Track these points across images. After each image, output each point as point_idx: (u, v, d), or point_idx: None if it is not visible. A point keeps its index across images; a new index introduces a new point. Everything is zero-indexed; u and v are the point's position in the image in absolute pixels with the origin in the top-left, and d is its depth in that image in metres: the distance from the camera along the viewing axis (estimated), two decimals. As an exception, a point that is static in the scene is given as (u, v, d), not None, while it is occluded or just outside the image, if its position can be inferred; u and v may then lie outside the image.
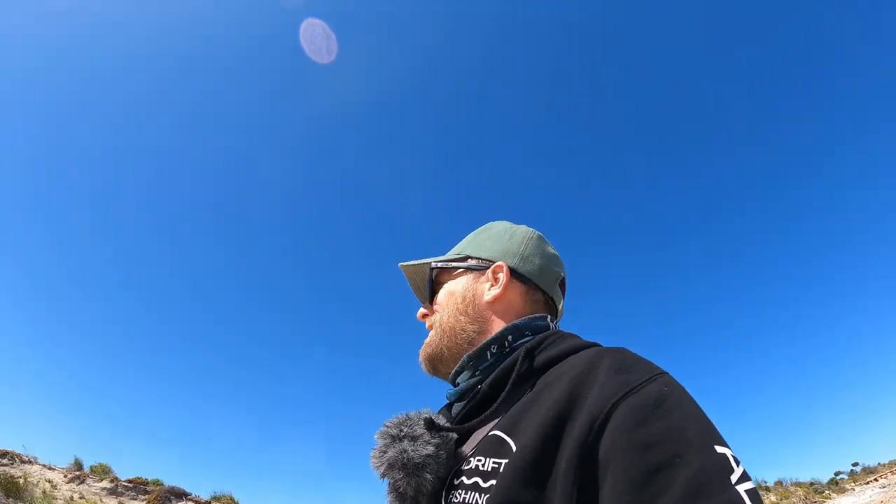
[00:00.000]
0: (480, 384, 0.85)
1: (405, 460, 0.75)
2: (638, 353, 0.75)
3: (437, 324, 0.97)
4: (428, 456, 0.75)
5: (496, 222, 1.06)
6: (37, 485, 17.32)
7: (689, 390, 0.67)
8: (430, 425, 0.78)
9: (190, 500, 20.32)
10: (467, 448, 0.79)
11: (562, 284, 1.01)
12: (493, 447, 0.73)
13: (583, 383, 0.69)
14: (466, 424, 0.80)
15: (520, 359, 0.81)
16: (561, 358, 0.80)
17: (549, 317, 0.94)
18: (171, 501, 20.06)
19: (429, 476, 0.75)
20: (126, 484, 20.54)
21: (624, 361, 0.71)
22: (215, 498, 20.83)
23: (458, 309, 0.95)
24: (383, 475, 0.77)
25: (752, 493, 0.56)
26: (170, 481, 21.20)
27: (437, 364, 0.97)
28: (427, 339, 0.99)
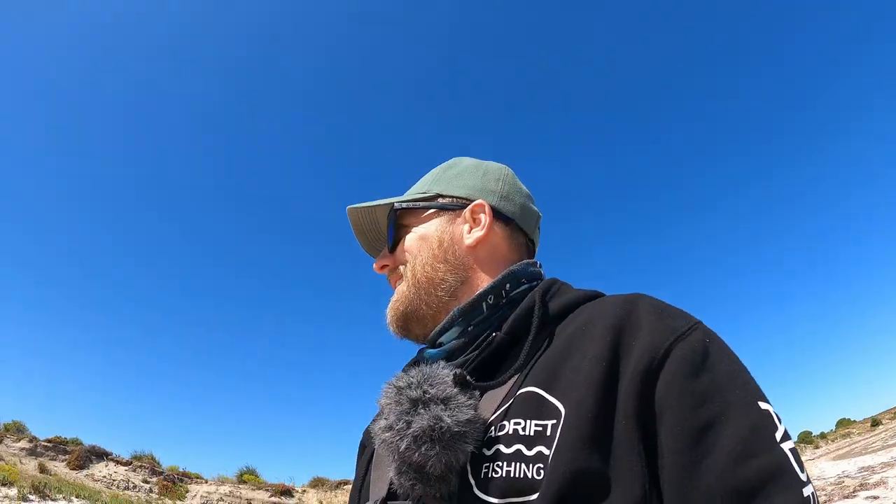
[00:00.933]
0: (472, 343, 0.72)
1: (441, 431, 0.58)
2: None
3: (409, 275, 0.81)
4: (469, 421, 0.60)
5: (461, 158, 0.91)
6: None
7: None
8: (461, 382, 0.63)
9: (111, 459, 20.92)
10: (488, 408, 0.64)
11: (538, 224, 0.90)
12: (532, 407, 0.61)
13: (625, 331, 0.62)
14: (498, 379, 0.65)
15: (537, 304, 0.69)
16: (575, 305, 0.71)
17: (538, 263, 0.83)
18: (91, 461, 20.75)
19: (469, 447, 0.59)
20: (45, 444, 20.81)
21: (661, 306, 0.65)
22: (136, 457, 21.35)
23: (434, 256, 0.80)
24: (405, 452, 0.59)
25: (794, 451, 0.55)
26: (89, 441, 21.63)
27: (410, 323, 0.81)
28: (396, 295, 0.82)
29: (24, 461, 19.08)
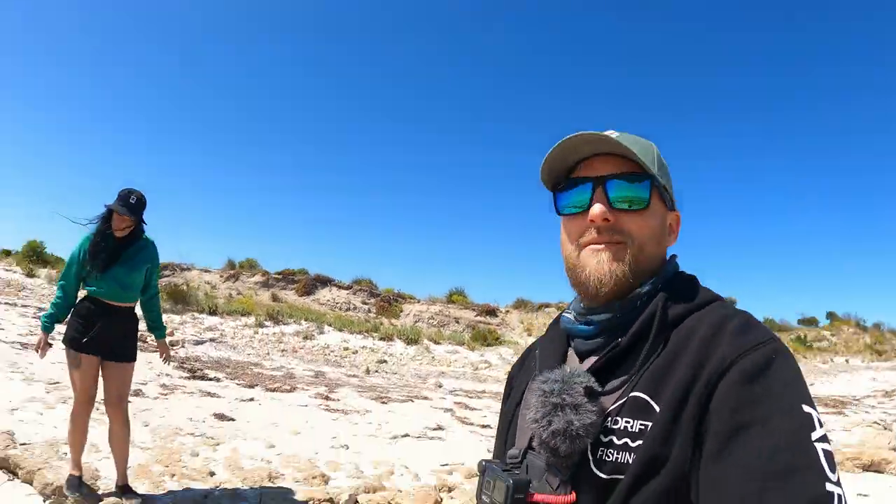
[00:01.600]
0: (613, 329, 0.84)
1: (572, 431, 0.75)
2: (754, 316, 0.78)
3: (630, 259, 0.84)
4: (591, 424, 0.75)
5: (641, 138, 0.90)
6: (198, 288, 19.06)
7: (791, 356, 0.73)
8: (591, 394, 0.77)
9: (333, 285, 21.67)
10: (609, 403, 0.78)
11: None
12: (639, 409, 0.74)
13: (710, 344, 0.73)
14: (616, 385, 0.79)
15: (657, 316, 0.80)
16: (690, 313, 0.80)
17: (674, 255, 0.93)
18: (316, 288, 21.53)
19: (589, 441, 0.76)
20: (276, 276, 22.26)
21: (744, 324, 0.74)
22: (356, 282, 22.04)
23: (651, 251, 0.86)
24: (545, 440, 0.77)
25: (828, 454, 0.62)
26: (314, 270, 22.69)
27: (617, 284, 0.83)
28: (608, 268, 0.83)
29: (258, 293, 20.49)
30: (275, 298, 19.52)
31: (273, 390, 8.01)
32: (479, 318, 20.42)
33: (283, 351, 12.66)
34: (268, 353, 12.27)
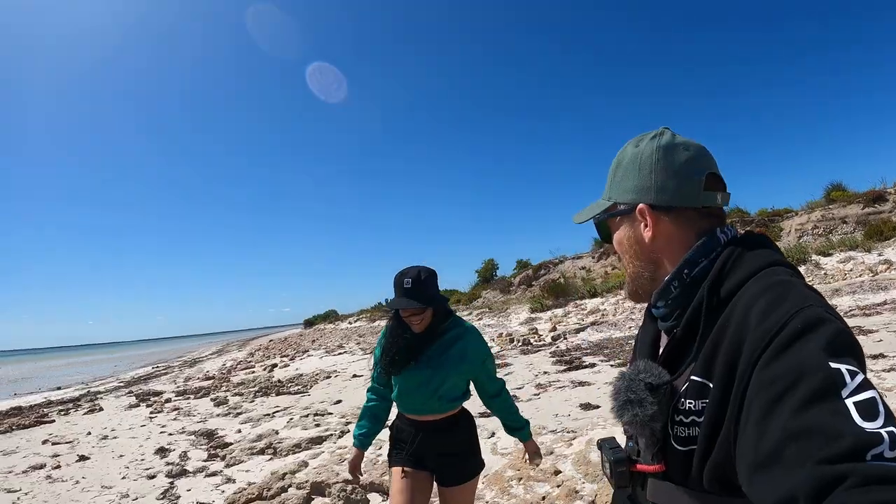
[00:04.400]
0: (673, 313, 0.96)
1: (637, 420, 0.90)
2: (793, 281, 0.82)
3: (624, 269, 1.06)
4: (654, 413, 0.89)
5: (624, 149, 1.04)
6: (574, 276, 20.13)
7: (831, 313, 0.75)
8: (651, 388, 0.90)
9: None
10: (680, 384, 0.89)
11: (710, 182, 0.96)
12: (698, 390, 0.84)
13: (742, 331, 0.78)
14: (674, 378, 0.91)
15: (705, 299, 0.88)
16: (737, 289, 0.85)
17: (716, 229, 0.96)
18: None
19: (657, 426, 0.90)
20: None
21: (770, 303, 0.77)
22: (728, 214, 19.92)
23: (630, 256, 1.02)
24: (624, 425, 0.96)
25: (862, 402, 0.61)
26: None
27: (638, 299, 1.05)
28: (626, 282, 1.07)
29: None
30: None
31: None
32: (867, 209, 16.58)
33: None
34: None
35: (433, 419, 2.50)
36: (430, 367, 2.43)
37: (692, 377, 0.86)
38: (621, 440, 1.09)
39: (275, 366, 16.60)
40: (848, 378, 0.63)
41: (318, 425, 7.23)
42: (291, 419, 7.76)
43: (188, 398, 11.46)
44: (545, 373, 8.64)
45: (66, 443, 7.83)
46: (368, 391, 2.66)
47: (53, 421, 10.07)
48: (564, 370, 8.69)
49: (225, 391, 11.76)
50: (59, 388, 18.86)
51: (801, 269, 12.45)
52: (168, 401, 11.31)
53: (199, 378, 16.29)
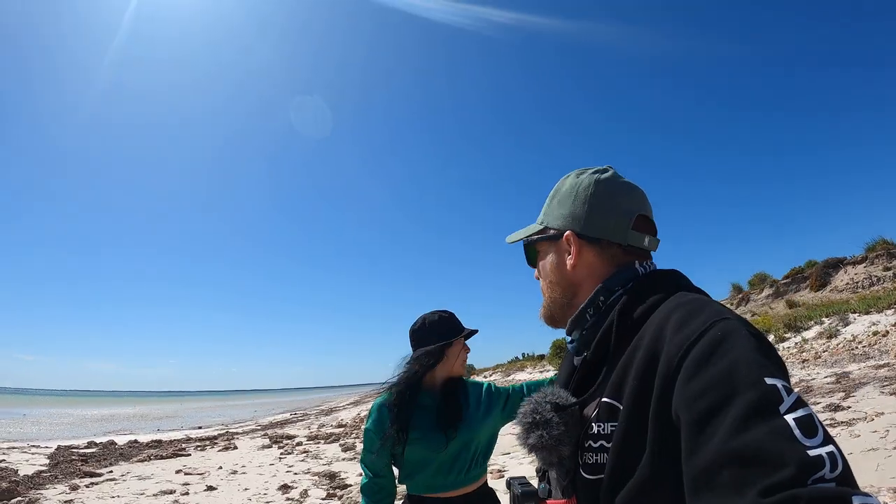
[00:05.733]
0: (589, 342, 0.93)
1: (543, 443, 0.86)
2: (706, 298, 0.83)
3: (543, 293, 1.07)
4: (560, 434, 0.86)
5: (566, 178, 1.06)
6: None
7: (747, 328, 0.72)
8: (557, 408, 0.88)
9: (846, 265, 18.35)
10: (590, 411, 0.87)
11: (639, 224, 0.99)
12: (607, 413, 0.81)
13: (656, 345, 0.76)
14: (583, 398, 0.88)
15: (614, 323, 0.87)
16: (650, 312, 0.84)
17: (635, 262, 0.97)
18: (829, 275, 18.52)
19: (565, 449, 0.86)
20: (783, 281, 20.13)
21: (685, 316, 0.76)
22: (869, 249, 18.00)
23: (550, 281, 1.04)
24: (530, 451, 0.89)
25: (800, 420, 0.58)
26: (819, 256, 19.70)
27: (553, 323, 1.06)
28: (542, 304, 1.08)
29: (772, 306, 18.76)
30: (790, 305, 17.36)
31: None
32: None
33: (804, 361, 11.00)
34: (789, 369, 10.94)
35: (465, 492, 2.00)
36: (468, 427, 1.98)
37: (602, 399, 0.83)
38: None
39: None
40: (784, 394, 0.61)
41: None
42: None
43: (318, 443, 11.86)
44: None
45: (198, 474, 8.35)
46: (365, 488, 2.04)
47: (189, 455, 10.83)
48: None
49: (354, 437, 12.05)
50: (199, 427, 20.41)
51: None
52: (299, 444, 11.78)
53: (332, 425, 16.88)
